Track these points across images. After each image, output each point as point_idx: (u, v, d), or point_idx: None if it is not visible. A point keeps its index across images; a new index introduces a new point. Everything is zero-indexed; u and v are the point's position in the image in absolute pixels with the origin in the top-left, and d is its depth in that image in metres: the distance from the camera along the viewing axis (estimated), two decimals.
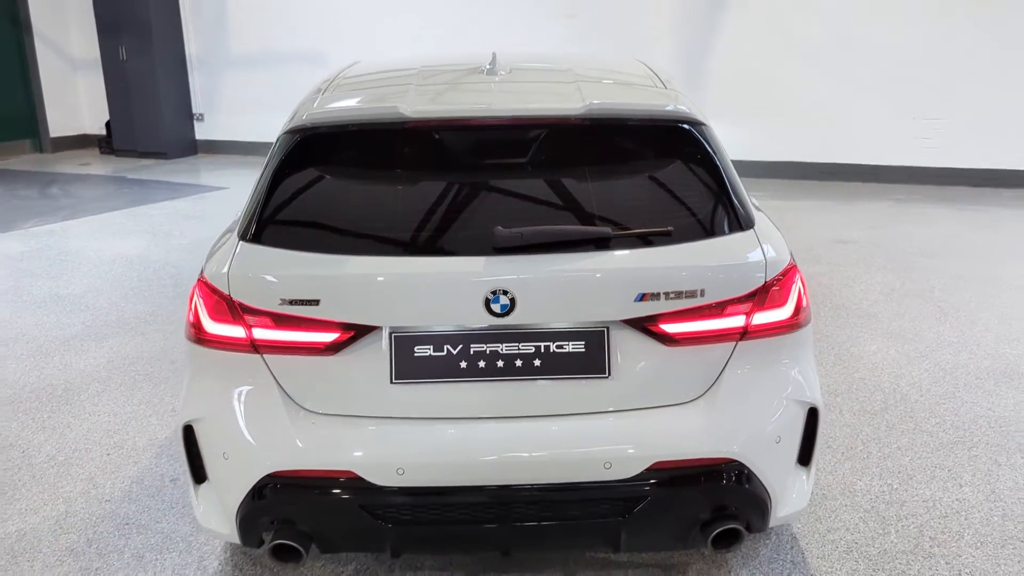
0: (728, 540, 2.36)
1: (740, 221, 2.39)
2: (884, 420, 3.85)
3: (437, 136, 2.41)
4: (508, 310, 2.21)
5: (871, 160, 9.59)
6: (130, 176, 11.25)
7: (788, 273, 2.38)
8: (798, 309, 2.39)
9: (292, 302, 2.23)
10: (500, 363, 2.27)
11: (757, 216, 2.49)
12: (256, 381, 2.32)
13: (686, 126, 2.48)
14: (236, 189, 10.00)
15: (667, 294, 2.24)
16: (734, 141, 10.11)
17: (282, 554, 2.34)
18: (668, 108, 2.51)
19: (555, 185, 2.42)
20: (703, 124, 2.51)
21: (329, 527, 2.32)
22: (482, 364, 2.27)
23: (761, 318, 2.33)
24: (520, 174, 2.43)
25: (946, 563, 2.81)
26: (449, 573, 2.75)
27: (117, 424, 3.96)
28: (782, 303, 2.36)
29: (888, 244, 7.03)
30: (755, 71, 9.78)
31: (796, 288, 2.40)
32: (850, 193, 9.18)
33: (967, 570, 2.77)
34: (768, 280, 2.32)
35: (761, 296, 2.32)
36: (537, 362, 2.28)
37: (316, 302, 2.22)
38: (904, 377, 4.32)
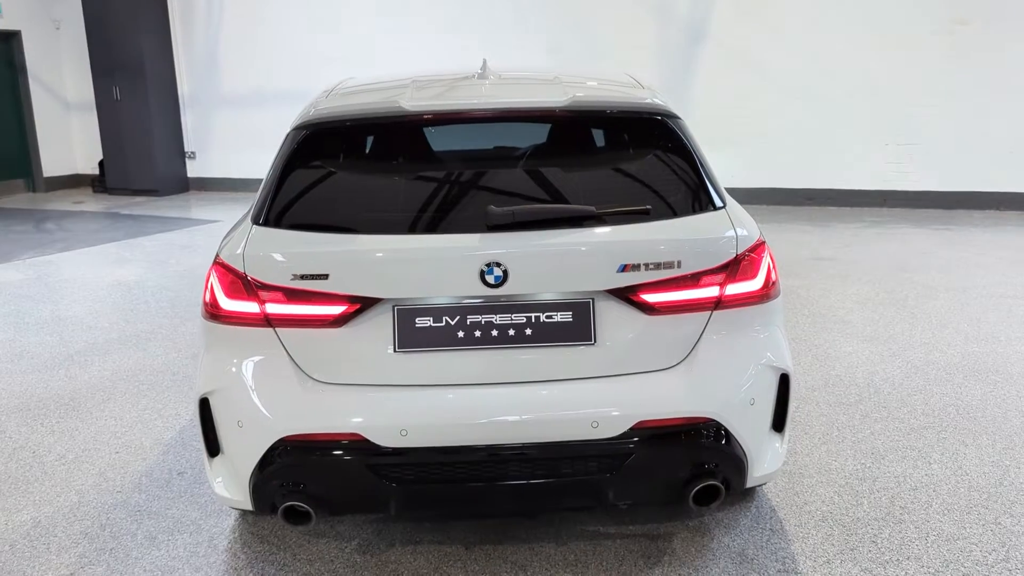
0: (708, 497, 2.55)
1: (712, 202, 2.62)
2: (858, 410, 4.05)
3: (434, 127, 2.64)
4: (501, 281, 2.41)
5: (846, 185, 9.93)
6: (124, 212, 11.45)
7: (757, 249, 2.59)
8: (767, 282, 2.61)
9: (303, 276, 2.42)
10: (494, 332, 2.47)
11: (728, 199, 2.72)
12: (269, 353, 2.50)
13: (661, 117, 2.71)
14: (227, 222, 10.20)
15: (646, 265, 2.45)
16: (716, 168, 10.45)
17: (293, 517, 2.50)
18: (645, 102, 2.75)
19: (543, 170, 2.64)
20: (677, 117, 2.75)
21: (337, 488, 2.49)
22: (478, 334, 2.46)
23: (733, 289, 2.54)
24: (511, 161, 2.66)
25: (915, 528, 3.00)
26: (447, 545, 2.91)
27: (123, 427, 4.10)
28: (753, 275, 2.57)
29: (863, 260, 7.29)
30: (732, 102, 10.13)
31: (766, 263, 2.62)
32: (827, 216, 9.48)
33: (935, 533, 2.96)
34: (739, 254, 2.53)
35: (733, 268, 2.53)
36: (528, 331, 2.47)
37: (325, 276, 2.42)
38: (878, 374, 4.53)
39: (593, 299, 2.49)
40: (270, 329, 2.48)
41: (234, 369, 2.54)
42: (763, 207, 10.08)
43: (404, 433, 2.41)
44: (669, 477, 2.54)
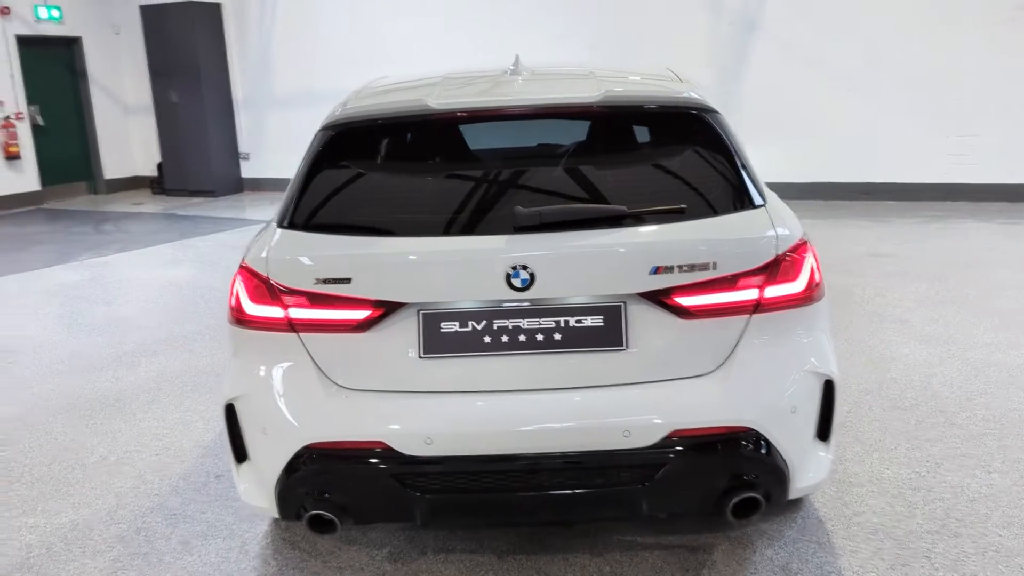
0: (748, 509, 2.43)
1: (751, 199, 2.50)
2: (914, 415, 3.87)
3: (461, 126, 2.57)
4: (528, 285, 2.33)
5: (905, 178, 9.58)
6: (180, 212, 11.66)
7: (799, 249, 2.46)
8: (811, 283, 2.48)
9: (326, 281, 2.38)
10: (522, 337, 2.39)
11: (769, 196, 2.59)
12: (293, 358, 2.46)
13: (698, 112, 2.60)
14: None
15: (680, 267, 2.34)
16: (769, 163, 10.18)
17: (318, 525, 2.45)
18: (681, 96, 2.64)
19: (575, 168, 2.55)
20: (715, 111, 2.63)
21: (362, 497, 2.43)
22: (505, 339, 2.39)
23: (773, 291, 2.42)
24: (541, 159, 2.58)
25: (972, 542, 2.83)
26: (480, 555, 2.85)
27: (165, 429, 4.13)
28: (794, 277, 2.44)
29: (923, 256, 7.02)
30: (787, 94, 9.87)
31: (808, 263, 2.49)
32: (885, 211, 9.17)
33: (993, 548, 2.79)
34: (779, 254, 2.41)
35: (773, 270, 2.41)
36: (557, 336, 2.39)
37: (348, 280, 2.37)
38: (936, 376, 4.33)
39: (625, 303, 2.39)
40: (294, 334, 2.44)
41: (259, 375, 2.51)
42: (818, 202, 9.80)
43: (429, 441, 2.35)
44: (706, 489, 2.43)
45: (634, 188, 2.50)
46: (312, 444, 2.40)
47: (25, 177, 12.78)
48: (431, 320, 2.40)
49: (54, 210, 12.36)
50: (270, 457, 2.47)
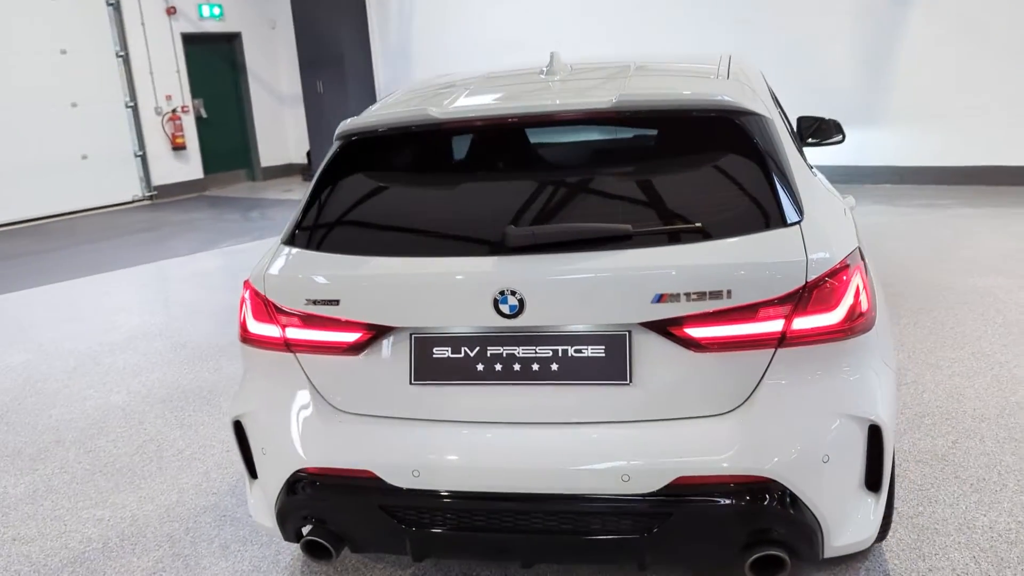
0: (770, 568, 2.15)
1: (783, 216, 2.18)
2: None
3: (463, 137, 2.41)
4: (517, 311, 2.14)
5: None
6: None
7: (839, 274, 2.14)
8: (852, 314, 2.15)
9: (316, 302, 2.29)
10: (517, 367, 2.21)
11: (815, 211, 2.26)
12: (290, 379, 2.40)
13: (729, 116, 2.31)
14: None
15: (688, 295, 2.09)
16: (921, 145, 9.31)
17: (313, 551, 2.39)
18: (707, 97, 2.35)
19: (583, 181, 2.33)
20: (752, 113, 2.33)
21: (353, 526, 2.35)
22: (499, 367, 2.22)
23: (803, 323, 2.11)
24: (546, 172, 2.38)
25: None
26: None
27: None
28: (830, 307, 2.12)
29: None
30: (944, 70, 8.94)
31: (852, 291, 2.15)
32: None
33: None
34: (810, 280, 2.10)
35: (802, 299, 2.10)
36: (555, 366, 2.19)
37: (336, 302, 2.27)
38: None
39: (630, 332, 2.16)
40: (291, 354, 2.38)
41: (260, 393, 2.47)
42: (983, 188, 8.84)
43: (416, 474, 2.23)
44: (719, 544, 2.18)
45: (648, 203, 2.25)
46: (306, 468, 2.33)
47: (190, 166, 13.67)
48: (423, 345, 2.27)
49: (214, 197, 13.15)
50: (270, 477, 2.43)
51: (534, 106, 2.39)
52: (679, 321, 2.11)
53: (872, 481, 2.24)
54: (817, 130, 4.33)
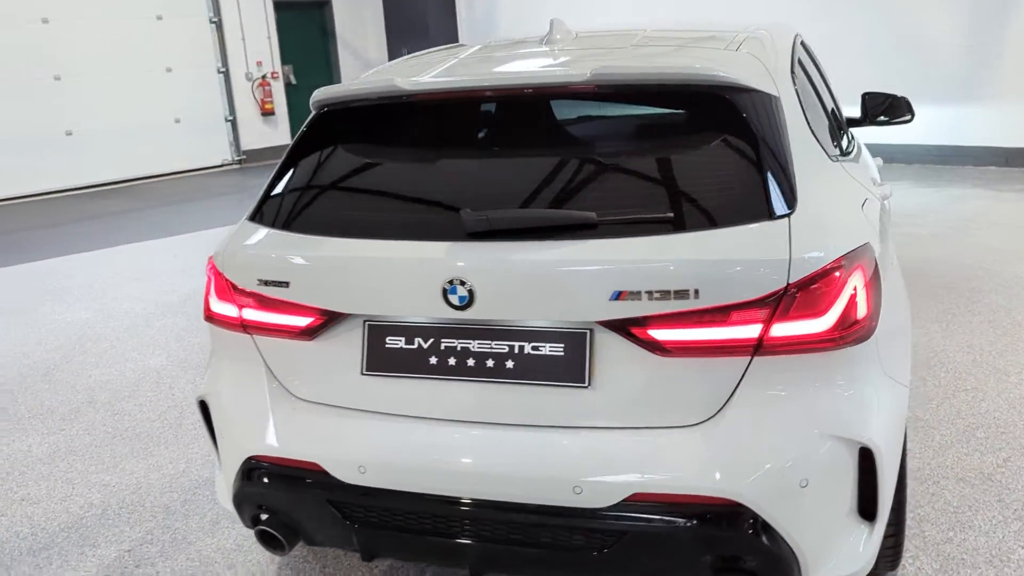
0: None
1: (768, 208, 1.93)
2: None
3: (434, 112, 2.23)
4: (467, 303, 1.97)
5: None
6: None
7: (830, 275, 1.87)
8: (845, 320, 1.88)
9: (267, 283, 2.18)
10: (471, 362, 2.04)
11: (814, 202, 1.99)
12: (248, 362, 2.30)
13: (717, 91, 2.05)
14: None
15: (650, 293, 1.87)
16: None
17: (267, 541, 2.30)
18: (695, 71, 2.09)
19: (555, 164, 2.12)
20: (744, 89, 2.07)
21: (304, 519, 2.24)
22: (452, 361, 2.06)
23: (784, 329, 1.86)
24: (517, 151, 2.17)
25: None
26: None
27: None
28: (817, 312, 1.87)
29: None
30: None
31: (846, 294, 1.89)
32: None
33: None
34: (792, 282, 1.84)
35: (783, 302, 1.85)
36: (510, 364, 2.01)
37: (286, 284, 2.15)
38: None
39: (591, 330, 1.96)
40: (248, 336, 2.27)
41: (220, 375, 2.39)
42: None
43: (363, 470, 2.09)
44: (679, 570, 1.97)
45: (620, 190, 2.03)
46: (257, 456, 2.24)
47: (278, 131, 13.88)
48: (376, 333, 2.12)
49: None
50: (228, 462, 2.34)
51: (504, 79, 2.20)
52: (642, 321, 1.90)
53: (866, 509, 1.98)
54: (888, 108, 3.98)
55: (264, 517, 2.27)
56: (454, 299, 1.97)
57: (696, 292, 1.85)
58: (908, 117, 3.96)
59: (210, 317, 2.37)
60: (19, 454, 3.75)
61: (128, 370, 4.69)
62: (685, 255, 1.86)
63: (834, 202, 2.11)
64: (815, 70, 3.29)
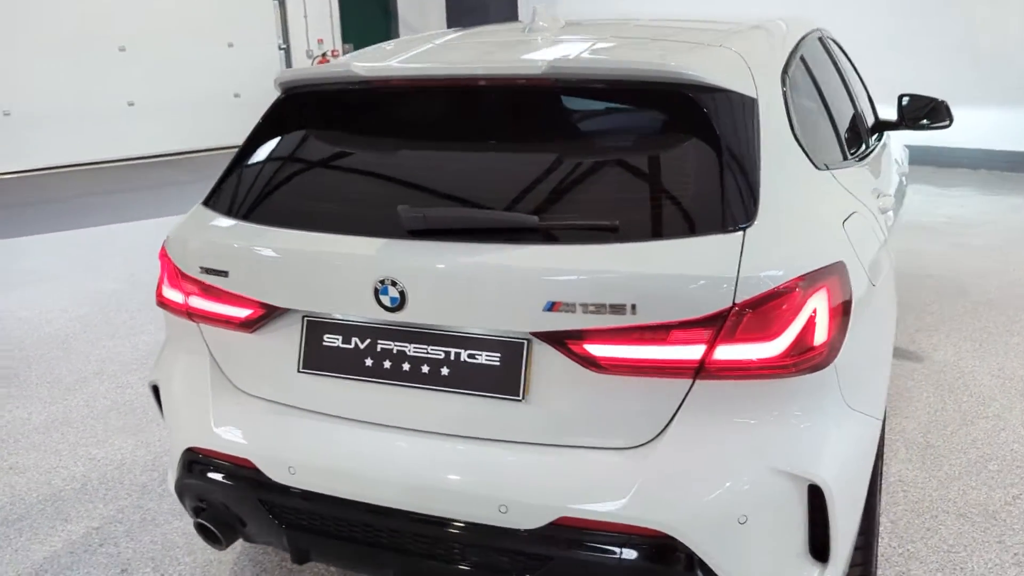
0: None
1: (722, 219, 1.77)
2: None
3: (387, 101, 2.14)
4: (398, 305, 1.87)
5: None
6: None
7: (785, 296, 1.72)
8: (800, 346, 1.73)
9: (207, 271, 2.11)
10: (406, 366, 1.94)
11: (780, 215, 1.83)
12: (194, 350, 2.25)
13: (680, 90, 1.90)
14: None
15: (585, 306, 1.73)
16: None
17: (204, 534, 2.24)
18: (657, 67, 1.93)
19: (506, 161, 2.00)
20: (710, 88, 1.91)
21: (236, 516, 2.18)
22: (387, 364, 1.96)
23: (728, 353, 1.72)
24: (466, 146, 2.06)
25: None
26: None
27: None
28: (767, 335, 1.71)
29: None
30: None
31: (802, 318, 1.73)
32: None
33: None
34: (740, 302, 1.69)
35: (728, 323, 1.70)
36: (445, 371, 1.91)
37: (225, 273, 2.08)
38: None
39: (529, 341, 1.84)
40: (195, 324, 2.22)
41: (167, 362, 2.35)
42: None
43: (292, 471, 2.02)
44: None
45: (569, 193, 1.89)
46: (196, 448, 2.18)
47: None
48: (315, 330, 2.04)
49: None
50: (173, 450, 2.30)
51: (458, 69, 2.08)
52: (578, 335, 1.77)
53: (819, 550, 1.83)
54: (928, 112, 3.75)
55: (202, 510, 2.22)
56: (385, 300, 1.87)
57: (633, 307, 1.71)
58: (947, 122, 3.71)
59: (161, 302, 2.32)
60: (18, 421, 3.80)
61: (141, 343, 4.73)
62: (622, 267, 1.72)
63: (807, 215, 1.94)
64: (832, 69, 3.08)
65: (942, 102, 3.73)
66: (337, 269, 1.94)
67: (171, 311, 2.28)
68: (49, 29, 10.88)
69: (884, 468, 3.06)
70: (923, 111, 3.77)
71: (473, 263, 1.82)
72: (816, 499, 1.77)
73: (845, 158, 2.58)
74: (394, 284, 1.85)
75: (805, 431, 1.78)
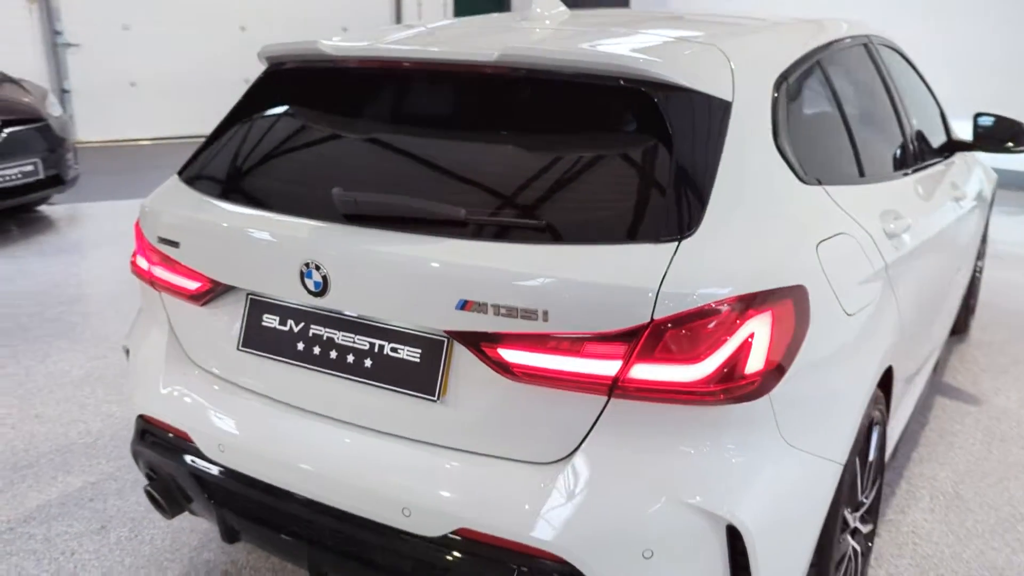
0: None
1: (655, 228, 1.63)
2: None
3: (352, 82, 2.09)
4: (322, 289, 1.82)
5: None
6: None
7: (713, 316, 1.57)
8: (729, 372, 1.57)
9: (163, 241, 2.12)
10: (333, 353, 1.89)
11: (730, 228, 1.68)
12: (156, 319, 2.27)
13: (638, 87, 1.76)
14: None
15: (497, 308, 1.63)
16: None
17: (152, 501, 2.26)
18: (613, 61, 1.79)
19: (449, 150, 1.92)
20: (673, 87, 1.76)
21: (177, 487, 2.18)
22: (316, 350, 1.91)
23: (645, 372, 1.58)
24: (416, 132, 2.00)
25: None
26: None
27: None
28: (690, 358, 1.57)
29: None
30: None
31: (734, 342, 1.58)
32: None
33: None
34: (659, 318, 1.55)
35: (646, 340, 1.57)
36: (368, 362, 1.85)
37: (176, 244, 2.08)
38: None
39: (449, 339, 1.75)
40: (156, 293, 2.23)
41: (138, 327, 2.38)
42: None
43: (221, 448, 2.01)
44: None
45: (507, 187, 1.79)
46: (145, 416, 2.20)
47: None
48: (256, 309, 2.01)
49: None
50: (132, 415, 2.32)
51: (414, 53, 2.01)
52: (492, 338, 1.67)
53: None
54: (1013, 134, 3.43)
55: (152, 479, 2.24)
56: (310, 284, 1.83)
57: (545, 314, 1.60)
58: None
59: (133, 270, 2.35)
60: (59, 373, 3.97)
61: None
62: (533, 269, 1.61)
63: (768, 231, 1.77)
64: (876, 79, 2.83)
65: (1019, 122, 3.40)
66: (269, 248, 1.90)
67: (140, 278, 2.30)
68: (178, 10, 11.44)
69: (900, 516, 2.82)
70: (1005, 132, 3.44)
71: (392, 252, 1.74)
72: (736, 542, 1.62)
73: (862, 175, 2.36)
74: (318, 268, 1.80)
75: (727, 465, 1.62)
